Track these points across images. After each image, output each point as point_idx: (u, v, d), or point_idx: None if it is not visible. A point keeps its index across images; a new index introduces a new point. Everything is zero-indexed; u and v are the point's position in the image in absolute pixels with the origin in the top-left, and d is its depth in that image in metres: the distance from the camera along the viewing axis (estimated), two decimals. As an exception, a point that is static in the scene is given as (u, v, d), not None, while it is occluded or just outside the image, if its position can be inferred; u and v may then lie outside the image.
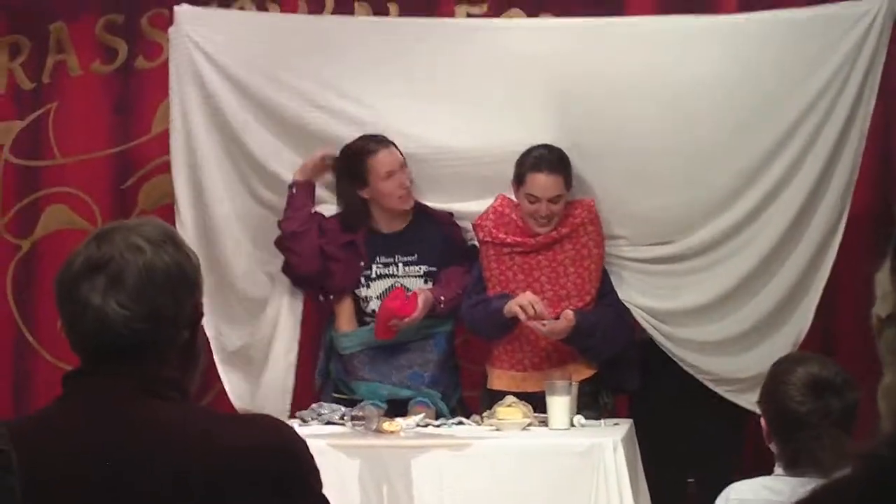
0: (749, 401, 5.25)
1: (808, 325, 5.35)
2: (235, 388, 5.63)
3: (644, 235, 5.41)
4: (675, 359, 5.40)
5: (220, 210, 5.59)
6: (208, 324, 5.59)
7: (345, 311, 5.51)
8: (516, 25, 5.80)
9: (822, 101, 5.27)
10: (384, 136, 5.42)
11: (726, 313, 5.38)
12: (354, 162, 5.42)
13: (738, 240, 5.35)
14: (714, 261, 5.37)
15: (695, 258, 5.39)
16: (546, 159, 5.28)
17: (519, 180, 5.31)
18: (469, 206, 5.54)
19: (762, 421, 3.52)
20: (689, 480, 5.41)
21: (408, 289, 5.41)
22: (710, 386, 5.39)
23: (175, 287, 2.28)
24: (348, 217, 5.50)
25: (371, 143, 5.40)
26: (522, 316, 5.18)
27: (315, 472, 2.32)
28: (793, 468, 3.37)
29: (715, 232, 5.35)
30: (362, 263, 5.46)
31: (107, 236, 2.28)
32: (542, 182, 5.26)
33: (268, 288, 5.62)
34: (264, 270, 5.61)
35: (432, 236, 5.51)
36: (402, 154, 5.42)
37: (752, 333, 5.37)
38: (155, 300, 2.24)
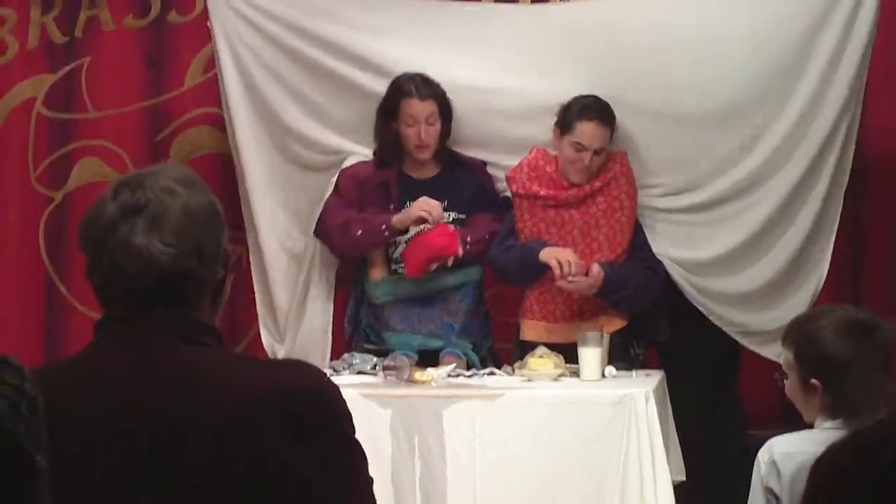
0: (773, 352, 5.28)
1: (825, 273, 5.38)
2: (272, 347, 5.68)
3: (676, 182, 5.42)
4: (703, 311, 5.41)
5: (253, 170, 5.63)
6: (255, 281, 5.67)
7: (376, 259, 5.49)
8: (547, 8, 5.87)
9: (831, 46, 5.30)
10: (432, 85, 5.40)
11: (754, 260, 5.39)
12: (391, 95, 5.42)
13: (763, 185, 5.36)
14: (745, 206, 5.38)
15: (725, 204, 5.40)
16: (596, 108, 5.27)
17: (565, 128, 5.29)
18: (500, 161, 5.56)
19: (794, 376, 3.47)
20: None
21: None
22: (738, 339, 5.42)
23: (213, 225, 2.29)
24: (382, 151, 5.49)
25: (411, 86, 5.39)
26: (557, 272, 5.17)
27: (348, 416, 2.31)
28: (836, 417, 3.35)
29: (740, 176, 5.36)
30: (392, 207, 5.45)
31: (136, 182, 2.28)
32: (591, 131, 5.26)
33: (300, 248, 5.65)
34: (297, 231, 5.65)
35: (463, 184, 5.50)
36: (447, 107, 5.41)
37: (779, 282, 5.39)
38: (197, 237, 2.25)
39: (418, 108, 5.37)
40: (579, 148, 5.27)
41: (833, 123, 5.32)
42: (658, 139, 5.39)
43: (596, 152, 5.27)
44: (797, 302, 5.32)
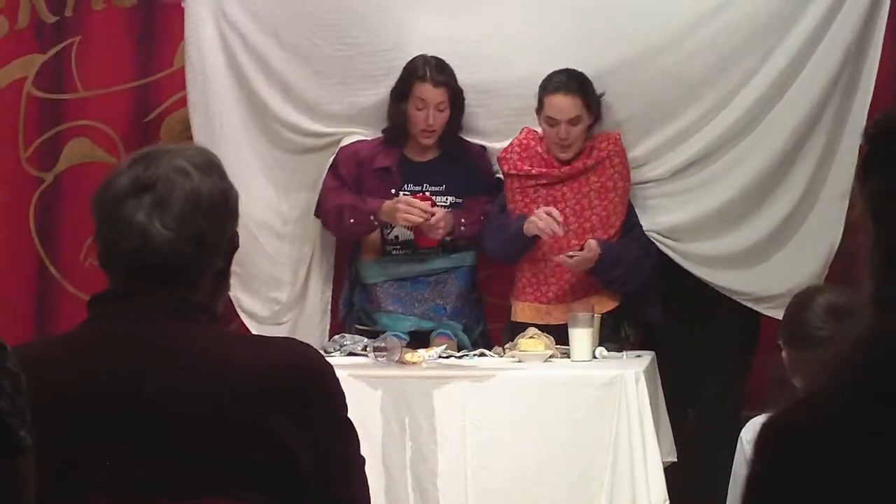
0: None
1: (838, 238, 5.29)
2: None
3: (664, 151, 5.39)
4: (711, 283, 5.37)
5: (241, 161, 5.61)
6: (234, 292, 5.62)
7: (370, 239, 5.50)
8: None
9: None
10: (447, 72, 5.38)
11: (744, 219, 5.35)
12: (405, 76, 5.42)
13: (745, 140, 5.34)
14: (733, 159, 5.35)
15: (712, 160, 5.36)
16: (563, 81, 5.26)
17: (539, 105, 5.29)
18: (494, 144, 5.54)
19: (784, 354, 3.50)
20: (689, 410, 5.42)
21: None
22: (751, 306, 5.35)
23: (219, 214, 2.29)
24: (390, 131, 5.49)
25: (426, 70, 5.38)
26: (541, 223, 5.15)
27: (340, 395, 2.31)
28: None
29: (725, 126, 5.33)
30: (392, 191, 5.43)
31: (153, 157, 2.28)
32: (559, 103, 5.24)
33: (299, 232, 5.64)
34: (294, 215, 5.63)
35: (462, 168, 5.50)
36: (458, 96, 5.40)
37: (777, 242, 5.35)
38: (199, 225, 2.25)
39: (430, 94, 5.36)
40: (552, 122, 5.27)
41: (830, 78, 5.25)
42: (646, 118, 5.38)
43: (570, 122, 5.25)
44: (805, 265, 5.26)
